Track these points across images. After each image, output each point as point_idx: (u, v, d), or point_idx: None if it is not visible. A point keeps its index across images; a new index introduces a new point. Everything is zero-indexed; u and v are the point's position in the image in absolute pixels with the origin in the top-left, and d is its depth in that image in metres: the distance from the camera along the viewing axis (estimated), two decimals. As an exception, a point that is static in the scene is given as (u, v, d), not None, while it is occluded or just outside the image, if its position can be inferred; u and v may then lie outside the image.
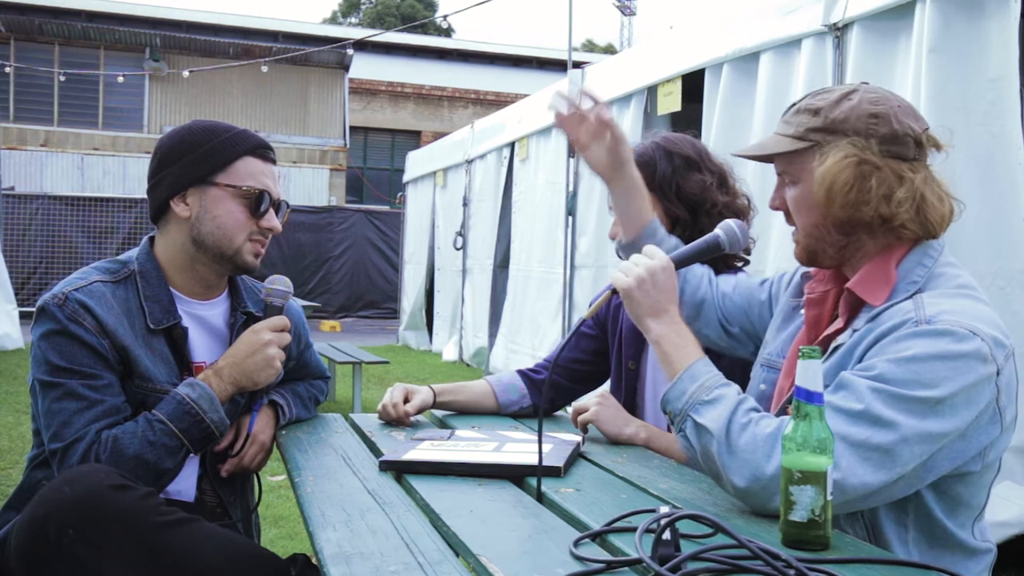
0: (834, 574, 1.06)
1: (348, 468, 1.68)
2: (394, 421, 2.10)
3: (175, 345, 1.92)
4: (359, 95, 21.78)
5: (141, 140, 18.06)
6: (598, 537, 1.24)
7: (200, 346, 1.98)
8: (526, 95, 9.32)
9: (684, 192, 2.04)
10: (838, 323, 1.51)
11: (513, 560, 1.12)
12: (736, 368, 1.80)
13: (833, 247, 1.52)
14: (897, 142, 1.45)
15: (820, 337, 1.53)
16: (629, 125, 5.90)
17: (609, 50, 37.45)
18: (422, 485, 1.51)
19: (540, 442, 1.48)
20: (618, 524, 1.26)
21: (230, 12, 34.54)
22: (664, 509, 1.17)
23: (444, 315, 10.75)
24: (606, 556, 1.15)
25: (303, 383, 2.24)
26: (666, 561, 1.05)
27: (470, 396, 2.24)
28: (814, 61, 4.03)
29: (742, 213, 2.08)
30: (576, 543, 1.18)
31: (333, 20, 45.23)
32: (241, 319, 2.03)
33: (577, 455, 1.77)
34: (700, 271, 1.85)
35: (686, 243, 1.77)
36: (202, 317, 2.00)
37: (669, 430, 1.99)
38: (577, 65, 7.54)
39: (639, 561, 1.08)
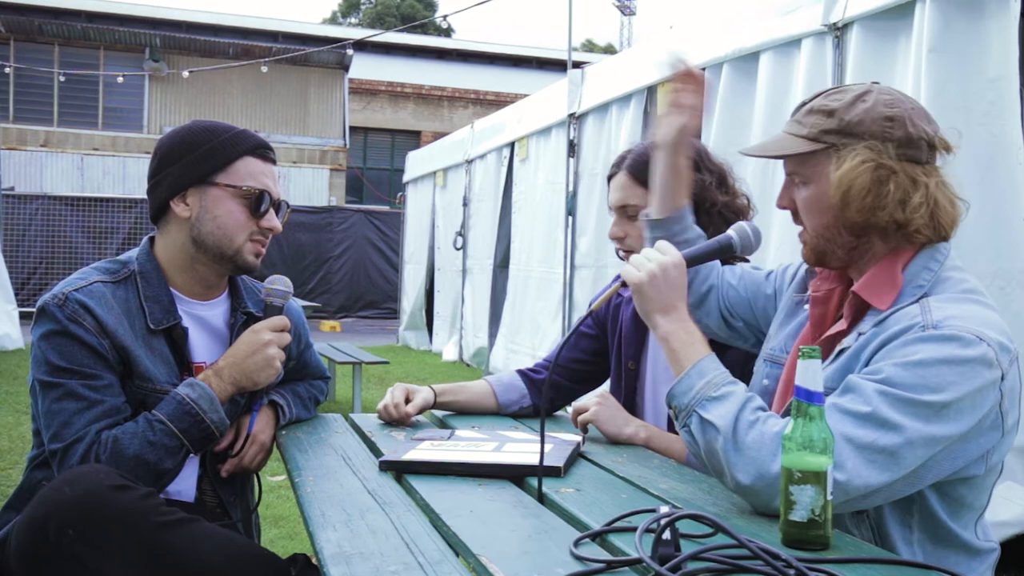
0: (834, 574, 1.06)
1: (348, 468, 1.68)
2: (395, 421, 2.10)
3: (175, 345, 1.92)
4: (359, 95, 21.77)
5: (141, 140, 18.06)
6: (598, 537, 1.24)
7: (200, 346, 1.98)
8: (526, 95, 9.32)
9: None
10: (841, 324, 1.51)
11: (513, 560, 1.12)
12: (737, 363, 1.80)
13: (843, 249, 1.51)
14: (912, 146, 1.44)
15: (824, 336, 1.53)
16: (629, 125, 5.90)
17: (609, 50, 37.43)
18: (422, 485, 1.51)
19: (543, 442, 1.48)
20: (618, 524, 1.26)
21: (230, 12, 34.56)
22: (664, 509, 1.17)
23: (444, 315, 10.74)
24: (606, 556, 1.15)
25: (303, 383, 2.24)
26: (666, 561, 1.05)
27: (470, 396, 2.24)
28: (814, 61, 4.03)
29: (742, 212, 2.08)
30: (576, 543, 1.18)
31: (333, 20, 45.22)
32: (241, 319, 2.03)
33: (577, 455, 1.77)
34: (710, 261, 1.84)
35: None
36: (202, 317, 2.00)
37: (669, 430, 1.99)
38: (577, 65, 7.55)
39: (639, 561, 1.08)
